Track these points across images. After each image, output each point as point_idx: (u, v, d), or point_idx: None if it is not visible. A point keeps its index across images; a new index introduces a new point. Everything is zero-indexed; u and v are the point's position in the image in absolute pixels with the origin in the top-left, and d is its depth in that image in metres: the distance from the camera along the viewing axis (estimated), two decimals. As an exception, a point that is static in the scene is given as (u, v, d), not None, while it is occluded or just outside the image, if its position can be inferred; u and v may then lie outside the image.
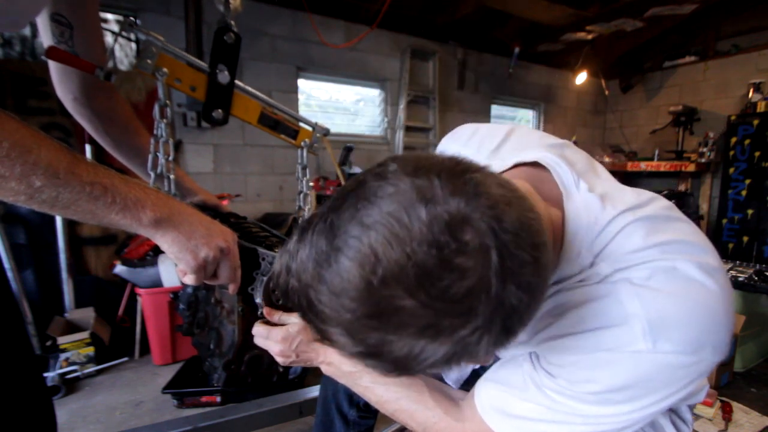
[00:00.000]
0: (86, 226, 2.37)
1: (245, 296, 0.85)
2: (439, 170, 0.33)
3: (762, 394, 1.85)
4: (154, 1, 2.67)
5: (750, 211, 3.70)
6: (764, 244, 3.62)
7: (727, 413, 1.63)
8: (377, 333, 0.32)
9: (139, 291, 2.06)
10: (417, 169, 0.33)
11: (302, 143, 1.06)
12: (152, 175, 0.86)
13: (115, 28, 2.62)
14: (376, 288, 0.31)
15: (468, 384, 0.74)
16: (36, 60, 2.38)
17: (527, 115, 4.93)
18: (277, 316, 0.67)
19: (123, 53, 2.70)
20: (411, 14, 3.46)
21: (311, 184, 2.95)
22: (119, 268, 2.07)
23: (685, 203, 3.16)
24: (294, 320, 0.65)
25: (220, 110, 0.92)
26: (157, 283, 2.05)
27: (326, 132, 1.09)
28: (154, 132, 0.86)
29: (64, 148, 0.49)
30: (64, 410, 1.71)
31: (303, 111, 3.41)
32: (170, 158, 0.87)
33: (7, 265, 1.91)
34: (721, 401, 1.70)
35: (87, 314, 2.22)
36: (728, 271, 2.22)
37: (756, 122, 3.64)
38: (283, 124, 1.02)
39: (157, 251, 2.15)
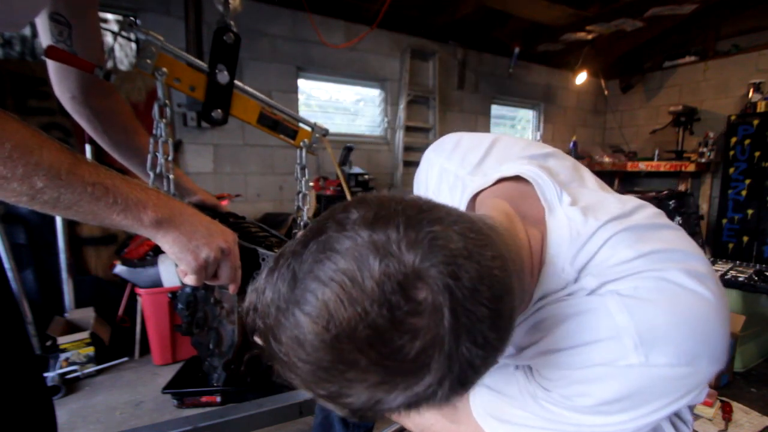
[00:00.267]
0: (86, 226, 2.37)
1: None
2: (398, 220, 0.33)
3: (762, 394, 1.85)
4: (154, 1, 2.67)
5: (750, 211, 3.70)
6: (764, 244, 3.62)
7: (727, 413, 1.63)
8: (332, 385, 0.33)
9: (139, 291, 2.06)
10: (376, 219, 0.33)
11: (301, 143, 1.06)
12: (151, 174, 0.86)
13: (115, 28, 2.62)
14: (329, 344, 0.31)
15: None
16: (36, 60, 2.38)
17: (527, 115, 4.93)
18: None
19: (123, 53, 2.70)
20: (411, 14, 3.46)
21: (311, 184, 2.95)
22: (119, 268, 2.07)
23: (685, 203, 3.16)
24: None
25: (219, 110, 0.92)
26: (157, 283, 2.05)
27: (325, 132, 1.09)
28: (154, 132, 0.86)
29: (65, 149, 0.49)
30: (64, 410, 1.71)
31: (303, 111, 3.41)
32: (169, 158, 0.87)
33: (7, 265, 1.91)
34: (721, 401, 1.70)
35: (87, 314, 2.22)
36: (728, 271, 2.22)
37: (756, 122, 3.64)
38: (282, 124, 1.02)
39: (157, 251, 2.15)
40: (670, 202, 3.05)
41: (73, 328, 2.10)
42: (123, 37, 2.54)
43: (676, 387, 0.43)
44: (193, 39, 2.54)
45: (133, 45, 2.67)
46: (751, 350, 2.11)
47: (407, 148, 3.73)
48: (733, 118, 3.81)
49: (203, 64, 0.90)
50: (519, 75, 4.45)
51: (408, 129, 3.75)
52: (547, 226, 0.50)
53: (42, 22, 0.73)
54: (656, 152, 4.35)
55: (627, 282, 0.43)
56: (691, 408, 0.65)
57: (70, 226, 2.32)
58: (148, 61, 0.82)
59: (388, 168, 3.80)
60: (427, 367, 0.31)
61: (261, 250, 0.78)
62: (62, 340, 1.92)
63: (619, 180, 4.73)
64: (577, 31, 3.73)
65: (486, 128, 4.40)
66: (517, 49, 3.95)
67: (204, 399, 1.70)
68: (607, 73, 4.91)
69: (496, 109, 4.54)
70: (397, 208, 0.34)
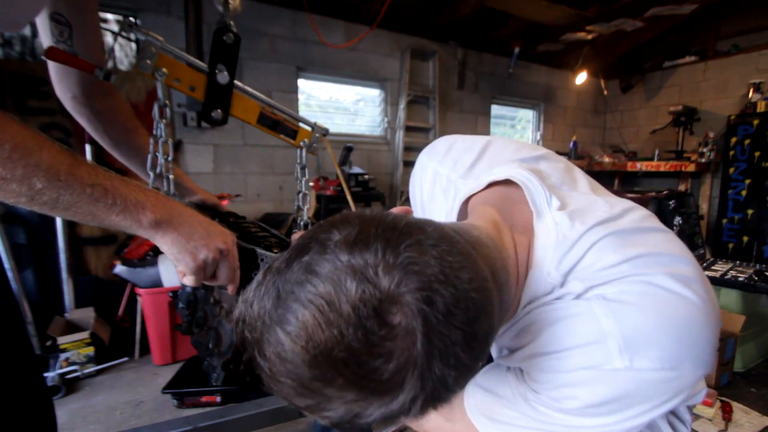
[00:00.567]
0: (86, 226, 2.37)
1: (244, 296, 0.85)
2: (377, 245, 0.34)
3: (762, 394, 1.85)
4: (154, 1, 2.67)
5: (750, 211, 3.70)
6: (764, 244, 3.62)
7: (727, 413, 1.63)
8: (311, 400, 0.34)
9: (139, 291, 2.06)
10: (356, 242, 0.34)
11: (301, 143, 1.06)
12: (151, 174, 0.86)
13: (115, 28, 2.62)
14: (308, 363, 0.32)
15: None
16: (36, 60, 2.38)
17: (527, 115, 4.93)
18: None
19: (123, 53, 2.70)
20: (411, 14, 3.46)
21: (311, 184, 2.95)
22: (119, 268, 2.07)
23: (685, 203, 3.15)
24: None
25: (219, 110, 0.92)
26: (157, 283, 2.05)
27: (325, 132, 1.09)
28: (154, 132, 0.86)
29: (64, 150, 0.49)
30: (64, 410, 1.72)
31: (303, 111, 3.41)
32: (169, 158, 0.87)
33: (7, 265, 1.91)
34: (721, 401, 1.70)
35: (87, 314, 2.22)
36: (728, 271, 2.22)
37: (756, 122, 3.64)
38: (282, 124, 1.02)
39: (156, 251, 2.15)
40: (670, 202, 3.04)
41: (73, 328, 2.10)
42: (123, 37, 2.53)
43: (662, 390, 0.43)
44: (193, 39, 2.54)
45: (133, 45, 2.68)
46: (751, 350, 2.11)
47: (407, 148, 3.74)
48: (733, 118, 3.82)
49: (203, 65, 0.90)
50: (519, 75, 4.45)
51: (408, 129, 3.75)
52: (535, 231, 0.50)
53: (42, 22, 0.73)
54: (656, 152, 4.35)
55: (613, 286, 0.44)
56: (690, 408, 0.66)
57: (70, 226, 2.32)
58: (148, 61, 0.82)
59: (388, 168, 3.80)
60: (400, 386, 0.33)
61: (260, 251, 0.78)
62: (62, 340, 1.92)
63: (619, 180, 4.73)
64: (577, 31, 3.73)
65: (486, 128, 4.41)
66: (517, 49, 3.95)
67: (204, 399, 1.71)
68: (607, 73, 4.92)
69: (496, 109, 4.54)
70: (377, 231, 0.35)
